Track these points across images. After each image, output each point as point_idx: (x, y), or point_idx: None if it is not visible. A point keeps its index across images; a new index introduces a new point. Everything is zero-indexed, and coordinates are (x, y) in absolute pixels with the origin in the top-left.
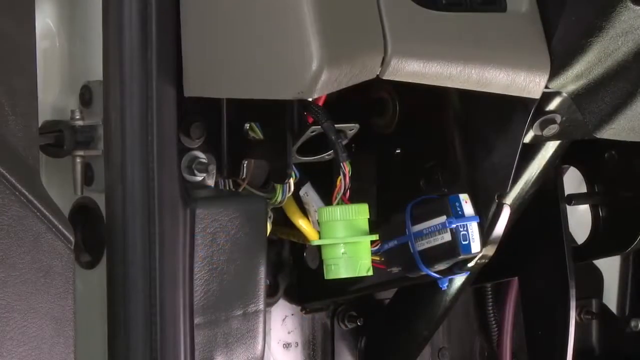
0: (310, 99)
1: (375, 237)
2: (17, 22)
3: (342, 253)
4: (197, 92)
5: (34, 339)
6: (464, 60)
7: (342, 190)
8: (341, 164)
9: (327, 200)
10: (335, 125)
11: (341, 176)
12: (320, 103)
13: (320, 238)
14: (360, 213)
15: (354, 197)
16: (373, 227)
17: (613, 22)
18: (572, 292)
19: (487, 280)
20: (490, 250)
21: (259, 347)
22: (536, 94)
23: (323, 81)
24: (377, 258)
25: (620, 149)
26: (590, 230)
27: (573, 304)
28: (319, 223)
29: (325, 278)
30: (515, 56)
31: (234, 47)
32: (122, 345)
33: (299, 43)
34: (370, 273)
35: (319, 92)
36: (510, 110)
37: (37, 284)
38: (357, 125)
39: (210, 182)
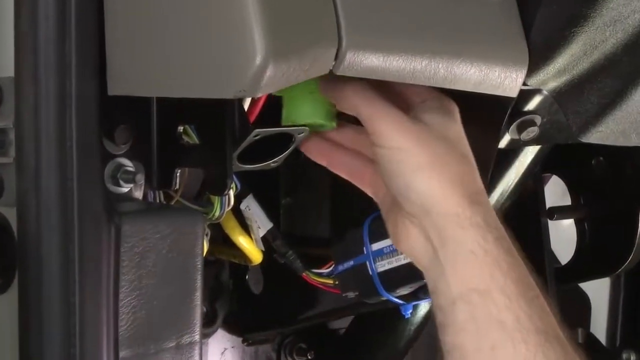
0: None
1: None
2: None
3: (310, 93)
4: (123, 91)
5: None
6: (430, 54)
7: None
8: None
9: (272, 215)
10: (282, 129)
11: None
12: (261, 104)
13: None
14: None
15: (305, 214)
16: (326, 245)
17: (600, 9)
18: None
19: None
20: None
21: None
22: (513, 92)
23: (268, 77)
24: (330, 281)
25: (609, 155)
26: (576, 249)
27: None
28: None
29: (285, 121)
30: (488, 49)
31: (165, 39)
32: None
33: (240, 33)
34: (335, 124)
35: (263, 90)
36: (483, 110)
37: None
38: (306, 129)
39: (138, 193)
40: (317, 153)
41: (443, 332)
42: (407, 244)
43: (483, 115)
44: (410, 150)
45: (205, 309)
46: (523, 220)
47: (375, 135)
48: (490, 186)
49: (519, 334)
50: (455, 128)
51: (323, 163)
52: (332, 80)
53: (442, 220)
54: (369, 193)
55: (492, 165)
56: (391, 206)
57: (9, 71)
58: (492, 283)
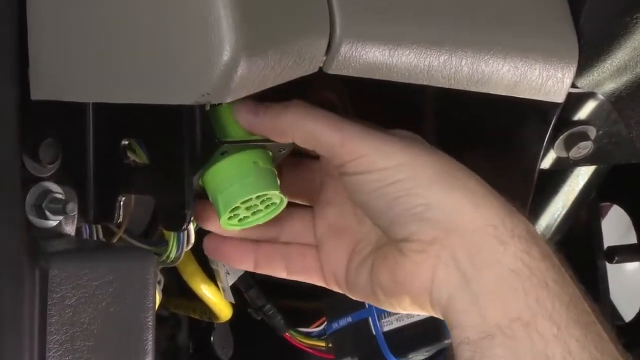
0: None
1: None
2: None
3: (254, 162)
4: (51, 94)
5: None
6: (450, 46)
7: None
8: None
9: None
10: (259, 143)
11: None
12: None
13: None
14: None
15: None
16: (316, 297)
17: None
18: None
19: None
20: None
21: None
22: (559, 97)
23: (240, 77)
24: (322, 344)
25: None
26: None
27: None
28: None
29: (224, 210)
30: (526, 40)
31: (105, 28)
32: None
33: (204, 22)
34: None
35: (233, 94)
36: (520, 120)
37: None
38: (290, 145)
39: (70, 228)
40: (237, 257)
41: None
42: (420, 283)
43: (520, 128)
44: (415, 163)
45: None
46: (574, 262)
47: (357, 162)
48: (530, 219)
49: None
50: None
51: (249, 268)
52: (260, 104)
53: (475, 238)
54: (318, 282)
55: (533, 192)
56: (369, 264)
57: None
58: (539, 309)
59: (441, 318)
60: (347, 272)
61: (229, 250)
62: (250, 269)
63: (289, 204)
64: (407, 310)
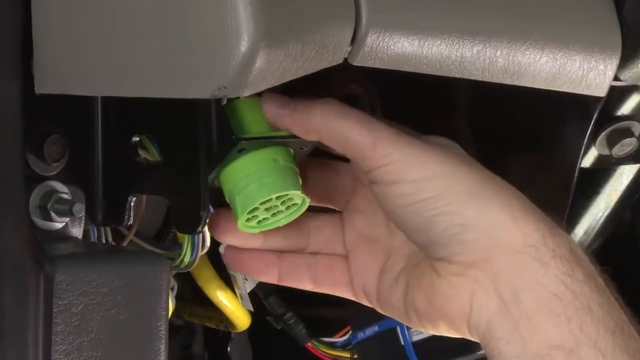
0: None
1: None
2: None
3: (274, 160)
4: (57, 88)
5: None
6: (484, 36)
7: None
8: None
9: None
10: (281, 139)
11: None
12: None
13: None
14: None
15: None
16: (340, 305)
17: None
18: None
19: None
20: None
21: None
22: (600, 90)
23: (259, 69)
24: (347, 355)
25: None
26: None
27: None
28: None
29: (241, 212)
30: (565, 30)
31: (116, 19)
32: None
33: (220, 9)
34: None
35: (251, 87)
36: (559, 116)
37: None
38: (314, 142)
39: (77, 230)
40: (259, 268)
41: None
42: (458, 308)
43: (559, 124)
44: (450, 176)
45: None
46: (617, 267)
47: (388, 169)
48: (570, 221)
49: None
50: None
51: (272, 280)
52: (290, 99)
53: (515, 260)
54: (347, 295)
55: (573, 192)
56: (403, 283)
57: None
58: (582, 336)
59: (480, 343)
60: (378, 288)
61: (250, 261)
62: (274, 281)
63: (317, 210)
64: (442, 334)
